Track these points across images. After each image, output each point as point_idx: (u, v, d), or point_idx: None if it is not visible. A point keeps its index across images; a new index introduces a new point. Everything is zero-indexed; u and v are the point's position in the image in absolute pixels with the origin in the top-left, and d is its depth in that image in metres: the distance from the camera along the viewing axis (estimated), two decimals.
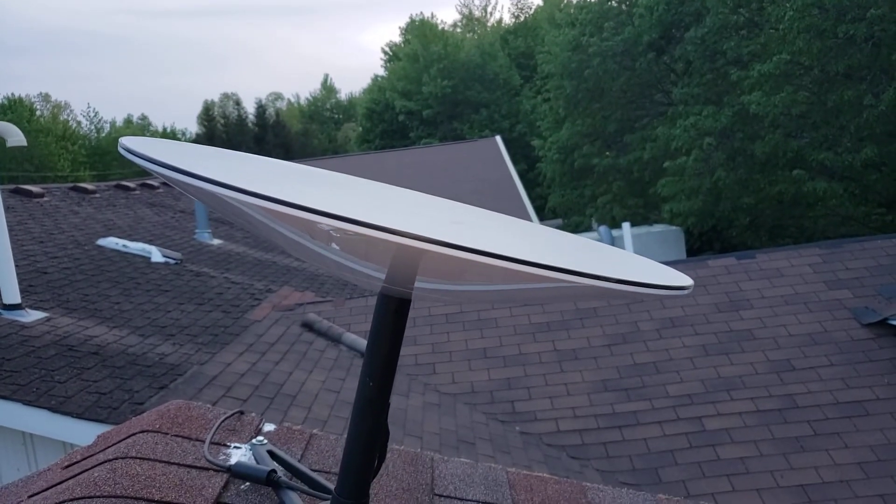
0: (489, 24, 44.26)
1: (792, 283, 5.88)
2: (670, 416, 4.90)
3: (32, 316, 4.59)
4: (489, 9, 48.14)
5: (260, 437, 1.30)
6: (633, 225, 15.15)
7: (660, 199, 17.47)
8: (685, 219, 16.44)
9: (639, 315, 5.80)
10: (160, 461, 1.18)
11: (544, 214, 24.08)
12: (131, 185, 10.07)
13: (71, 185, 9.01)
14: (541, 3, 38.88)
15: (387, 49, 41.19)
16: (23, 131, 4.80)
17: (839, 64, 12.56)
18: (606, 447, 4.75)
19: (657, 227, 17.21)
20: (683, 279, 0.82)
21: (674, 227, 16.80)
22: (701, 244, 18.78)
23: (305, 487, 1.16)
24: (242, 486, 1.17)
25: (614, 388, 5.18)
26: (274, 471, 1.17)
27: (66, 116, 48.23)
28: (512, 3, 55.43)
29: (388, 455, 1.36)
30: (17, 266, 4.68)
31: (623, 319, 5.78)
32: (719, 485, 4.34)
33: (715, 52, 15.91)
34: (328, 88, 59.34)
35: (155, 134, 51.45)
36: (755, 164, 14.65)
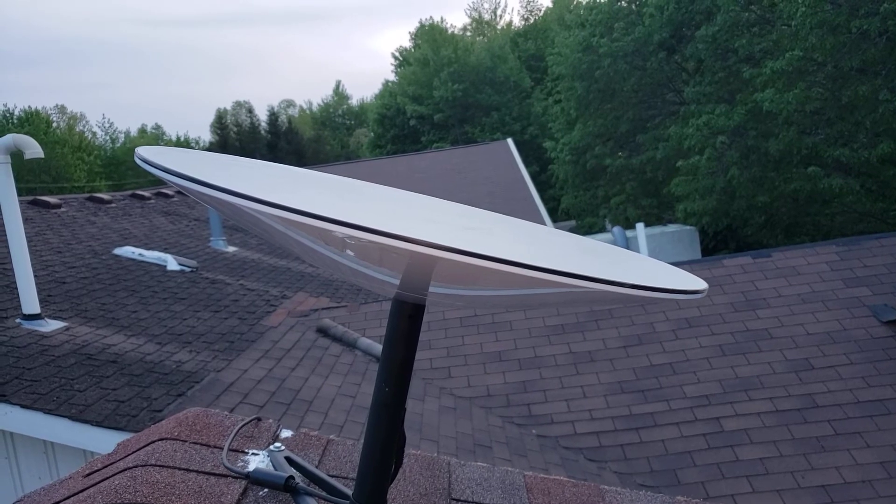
0: (499, 27, 44.26)
1: (809, 282, 5.83)
2: (688, 417, 4.87)
3: (51, 325, 4.64)
4: (499, 12, 48.15)
5: (277, 444, 1.30)
6: (646, 225, 15.08)
7: (673, 198, 17.38)
8: (699, 218, 16.34)
9: (654, 316, 5.77)
10: (179, 468, 1.19)
11: (557, 216, 24.03)
12: (146, 194, 10.16)
13: (87, 195, 9.11)
14: (550, 5, 38.87)
15: (397, 54, 41.32)
16: (40, 143, 4.86)
17: (853, 59, 12.44)
18: (624, 449, 4.72)
19: (671, 227, 17.11)
20: (698, 282, 0.82)
21: (688, 227, 16.70)
22: (716, 243, 18.64)
23: (323, 493, 1.16)
24: (261, 493, 1.18)
25: (631, 390, 5.15)
26: (292, 477, 1.17)
27: (81, 128, 48.80)
28: (521, 6, 55.42)
29: (405, 460, 1.36)
30: (35, 276, 4.74)
31: (639, 320, 5.75)
32: (739, 486, 4.31)
33: (726, 49, 15.82)
34: (340, 95, 59.63)
35: (169, 143, 51.95)
36: (769, 161, 14.53)
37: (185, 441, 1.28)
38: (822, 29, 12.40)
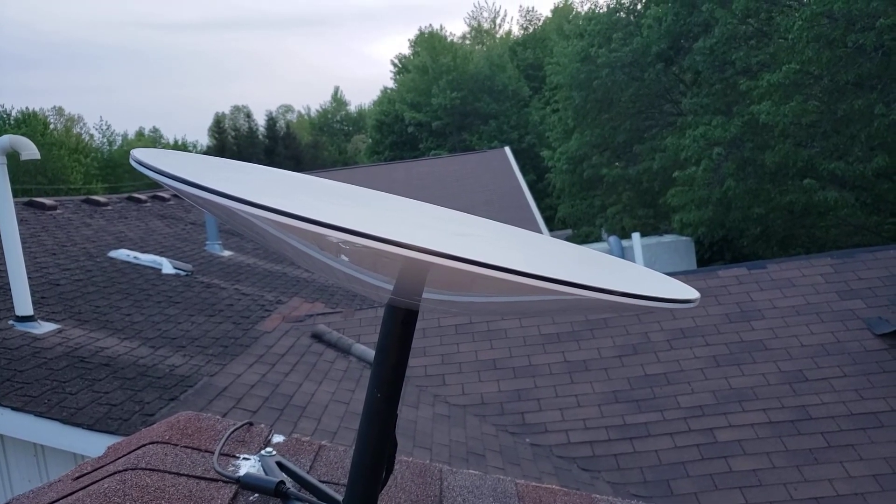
0: (498, 36, 44.41)
1: (804, 294, 5.84)
2: (682, 427, 4.86)
3: (44, 328, 4.62)
4: (498, 21, 48.26)
5: (269, 449, 1.30)
6: (642, 235, 15.10)
7: (669, 209, 17.43)
8: (695, 229, 16.37)
9: (649, 326, 5.77)
10: (170, 472, 1.18)
11: (554, 225, 24.06)
12: (143, 197, 10.15)
13: (83, 197, 9.09)
14: (549, 15, 39.06)
15: (396, 61, 41.43)
16: (36, 145, 4.85)
17: (849, 73, 12.51)
18: (617, 459, 4.71)
19: (667, 238, 17.13)
20: (690, 292, 0.82)
21: (684, 238, 16.73)
22: (711, 254, 18.68)
23: (314, 499, 1.16)
24: (251, 498, 1.17)
25: (625, 400, 5.15)
26: (283, 482, 1.17)
27: (78, 130, 48.75)
28: (521, 15, 55.72)
29: (397, 466, 1.36)
30: (29, 278, 4.72)
31: (633, 330, 5.76)
32: (732, 497, 4.30)
33: (724, 62, 15.89)
34: (338, 100, 59.69)
35: (166, 146, 51.88)
36: (765, 173, 14.59)
37: (177, 445, 1.27)
38: (819, 43, 12.47)
